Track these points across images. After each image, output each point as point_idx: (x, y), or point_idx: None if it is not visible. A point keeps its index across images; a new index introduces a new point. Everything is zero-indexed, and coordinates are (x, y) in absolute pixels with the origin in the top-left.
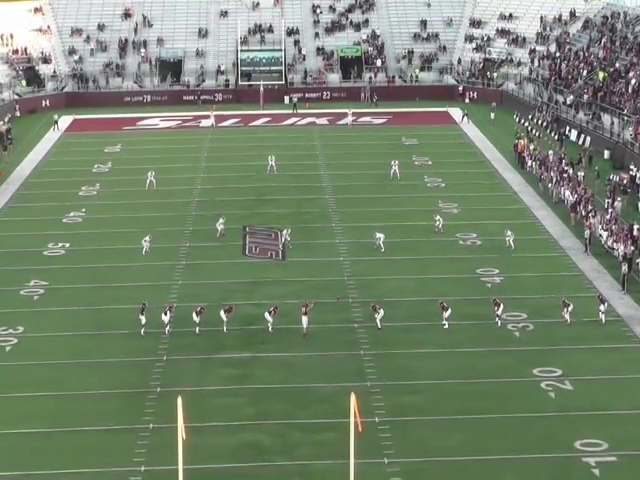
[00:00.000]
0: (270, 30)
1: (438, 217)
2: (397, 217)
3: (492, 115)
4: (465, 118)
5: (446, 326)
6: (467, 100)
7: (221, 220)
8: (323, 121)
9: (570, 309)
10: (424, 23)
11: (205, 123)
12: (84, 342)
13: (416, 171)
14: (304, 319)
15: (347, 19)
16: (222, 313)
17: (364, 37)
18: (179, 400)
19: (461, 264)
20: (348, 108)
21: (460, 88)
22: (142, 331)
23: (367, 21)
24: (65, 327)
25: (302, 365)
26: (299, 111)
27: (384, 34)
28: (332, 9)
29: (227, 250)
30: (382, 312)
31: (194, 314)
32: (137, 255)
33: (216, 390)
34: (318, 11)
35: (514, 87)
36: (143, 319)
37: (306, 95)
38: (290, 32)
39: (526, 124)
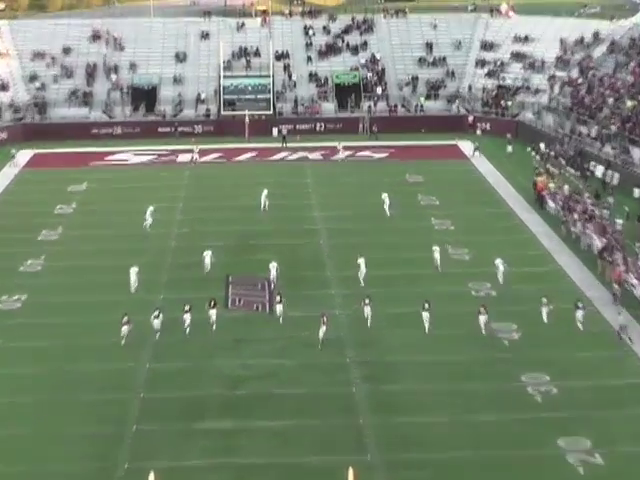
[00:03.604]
0: (257, 54)
1: (435, 247)
2: (401, 264)
3: (509, 148)
4: (476, 152)
5: (426, 329)
6: (479, 132)
7: (208, 252)
8: (316, 156)
9: (549, 309)
10: (430, 46)
11: (183, 158)
12: (43, 411)
13: (422, 212)
14: (322, 329)
15: (343, 41)
16: (209, 311)
17: (362, 61)
18: (151, 477)
19: (474, 319)
20: (338, 141)
21: (471, 118)
22: (122, 342)
23: (366, 43)
24: (16, 391)
25: (294, 435)
26: (289, 145)
27: (385, 58)
28: (326, 30)
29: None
30: (369, 309)
31: (185, 314)
32: (103, 309)
33: (195, 465)
34: (311, 32)
35: (532, 117)
36: (125, 329)
37: (297, 127)
38: (279, 56)
39: (545, 159)
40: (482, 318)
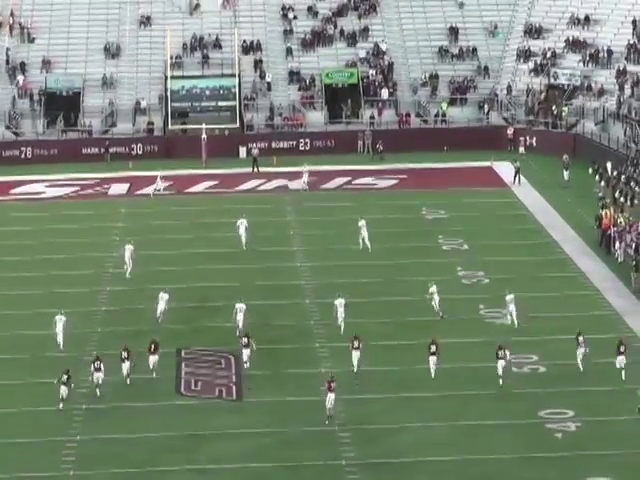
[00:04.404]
0: (217, 45)
1: (433, 289)
2: (417, 331)
3: (565, 174)
4: (518, 177)
5: (433, 375)
6: (522, 149)
7: (163, 295)
8: (299, 184)
9: (584, 350)
10: (455, 32)
11: (116, 190)
12: None
13: (444, 260)
14: (330, 396)
15: (336, 27)
16: (149, 357)
17: (362, 54)
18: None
19: (516, 403)
20: (306, 162)
21: (511, 131)
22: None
23: (367, 30)
24: None
25: None
26: (262, 170)
27: (393, 49)
28: (312, 12)
29: (153, 387)
30: (358, 354)
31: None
32: (16, 398)
33: None
34: (291, 15)
35: (594, 128)
36: (65, 390)
37: (273, 145)
38: (248, 48)
39: (613, 185)
40: (501, 363)
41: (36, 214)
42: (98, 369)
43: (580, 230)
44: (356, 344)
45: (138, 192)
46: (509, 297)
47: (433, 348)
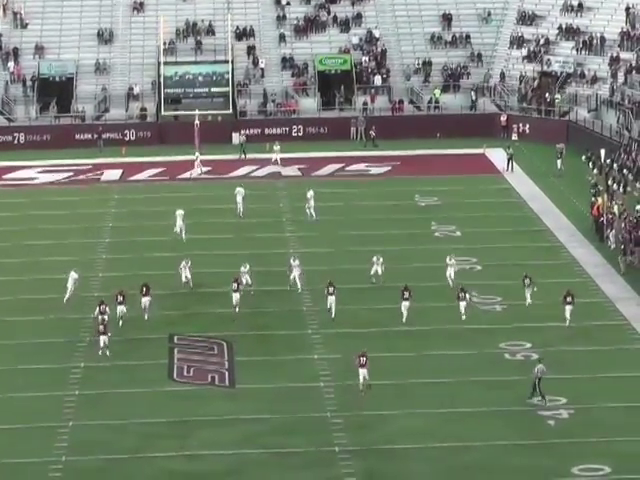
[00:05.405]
0: (210, 31)
1: (378, 259)
2: (408, 318)
3: (559, 163)
4: (511, 163)
5: (404, 319)
6: (515, 136)
7: (184, 264)
8: (292, 171)
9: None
10: (448, 19)
11: (109, 176)
12: None
13: (437, 247)
14: (362, 372)
15: (329, 13)
16: (141, 299)
17: (355, 41)
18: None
19: (507, 391)
20: (276, 142)
21: (504, 118)
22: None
23: (360, 16)
24: None
25: None
26: (256, 156)
27: (386, 36)
28: None
29: (143, 372)
30: (334, 299)
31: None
32: (8, 383)
33: None
34: (284, 1)
35: (587, 116)
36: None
37: (266, 131)
38: (241, 34)
39: (606, 172)
40: (462, 304)
41: (28, 200)
42: (103, 312)
43: (573, 217)
44: (331, 290)
45: (131, 178)
46: (451, 262)
47: (406, 294)
